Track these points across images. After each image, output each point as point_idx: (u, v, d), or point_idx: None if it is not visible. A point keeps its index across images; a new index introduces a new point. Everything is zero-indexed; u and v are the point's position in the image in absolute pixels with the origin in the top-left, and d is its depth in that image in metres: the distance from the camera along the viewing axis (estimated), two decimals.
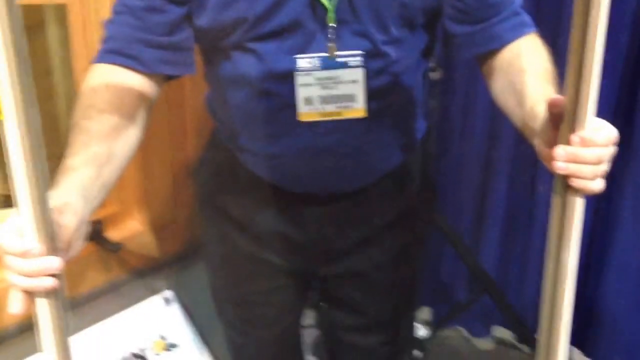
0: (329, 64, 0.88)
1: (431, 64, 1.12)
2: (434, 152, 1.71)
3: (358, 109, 0.91)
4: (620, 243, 1.82)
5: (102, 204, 0.88)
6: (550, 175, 0.73)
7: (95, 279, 1.46)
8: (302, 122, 0.92)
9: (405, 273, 1.21)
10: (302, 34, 0.88)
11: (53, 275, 0.68)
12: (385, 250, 1.13)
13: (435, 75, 1.65)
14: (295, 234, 1.07)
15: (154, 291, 1.53)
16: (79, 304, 1.44)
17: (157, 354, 1.44)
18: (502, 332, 2.18)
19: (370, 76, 0.91)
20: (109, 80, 0.88)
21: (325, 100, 0.90)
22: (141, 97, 0.90)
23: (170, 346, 1.47)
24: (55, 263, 0.68)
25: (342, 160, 0.98)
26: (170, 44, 0.90)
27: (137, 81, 0.90)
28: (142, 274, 1.54)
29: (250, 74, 0.91)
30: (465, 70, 1.84)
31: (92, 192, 0.80)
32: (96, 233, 1.50)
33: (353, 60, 0.88)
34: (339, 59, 0.88)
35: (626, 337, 1.91)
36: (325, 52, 0.88)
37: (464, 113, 1.91)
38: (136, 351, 1.42)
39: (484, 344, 2.19)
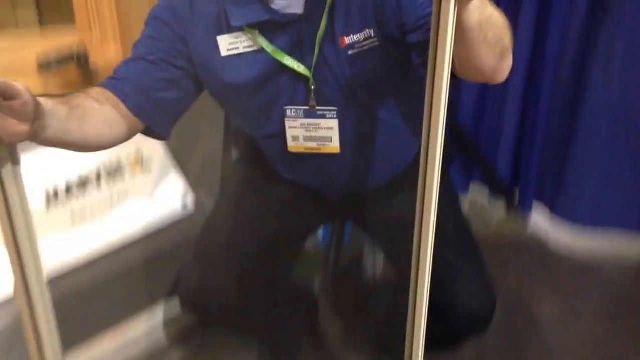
0: (309, 114, 1.11)
1: None
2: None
3: (333, 147, 1.16)
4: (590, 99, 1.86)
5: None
6: None
7: None
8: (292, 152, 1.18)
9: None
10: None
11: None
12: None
13: None
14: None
15: None
16: None
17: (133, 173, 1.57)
18: (478, 189, 2.26)
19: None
20: (107, 97, 1.08)
21: (307, 139, 1.15)
22: (124, 122, 1.09)
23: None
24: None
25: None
26: (159, 100, 1.11)
27: (124, 110, 1.09)
28: None
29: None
30: None
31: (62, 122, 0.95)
32: (80, 58, 1.59)
33: (329, 113, 1.11)
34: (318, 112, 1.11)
35: (592, 195, 1.97)
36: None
37: None
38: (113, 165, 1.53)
39: (463, 199, 2.27)
